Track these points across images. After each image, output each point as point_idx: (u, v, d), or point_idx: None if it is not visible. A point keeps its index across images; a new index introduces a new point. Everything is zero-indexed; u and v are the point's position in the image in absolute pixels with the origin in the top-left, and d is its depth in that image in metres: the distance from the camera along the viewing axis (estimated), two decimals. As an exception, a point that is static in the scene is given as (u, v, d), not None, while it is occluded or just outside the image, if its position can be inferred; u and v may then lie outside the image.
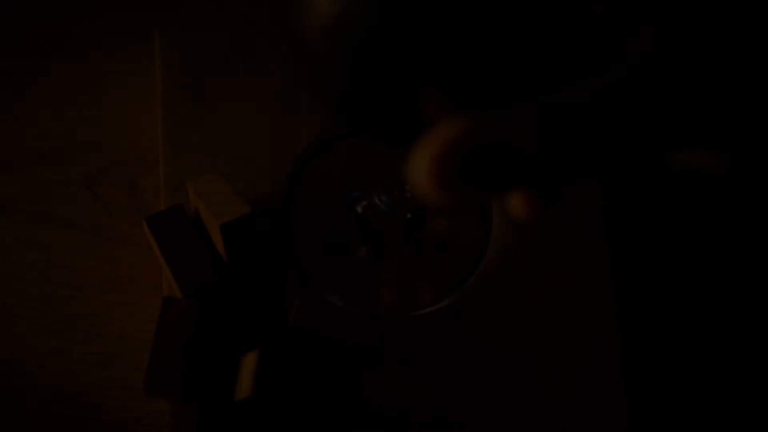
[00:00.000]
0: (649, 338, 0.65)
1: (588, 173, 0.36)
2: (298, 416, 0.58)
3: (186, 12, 0.71)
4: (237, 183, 0.63)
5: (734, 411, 0.64)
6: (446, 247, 0.63)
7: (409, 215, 0.62)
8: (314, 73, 0.40)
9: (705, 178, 0.45)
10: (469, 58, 0.37)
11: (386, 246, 0.63)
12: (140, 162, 0.67)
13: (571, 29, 0.36)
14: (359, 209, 0.61)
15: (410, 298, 0.62)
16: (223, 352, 0.60)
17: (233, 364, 0.59)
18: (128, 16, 0.71)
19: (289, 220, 0.63)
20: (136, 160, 0.67)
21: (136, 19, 0.71)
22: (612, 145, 0.35)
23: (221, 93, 0.65)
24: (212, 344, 0.60)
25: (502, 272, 0.62)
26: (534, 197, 0.39)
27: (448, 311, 0.62)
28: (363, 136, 0.43)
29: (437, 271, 0.62)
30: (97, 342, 0.63)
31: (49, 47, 0.70)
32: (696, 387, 0.64)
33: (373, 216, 0.63)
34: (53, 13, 0.71)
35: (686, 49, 0.35)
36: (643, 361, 0.65)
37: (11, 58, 0.70)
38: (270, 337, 0.60)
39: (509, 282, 0.62)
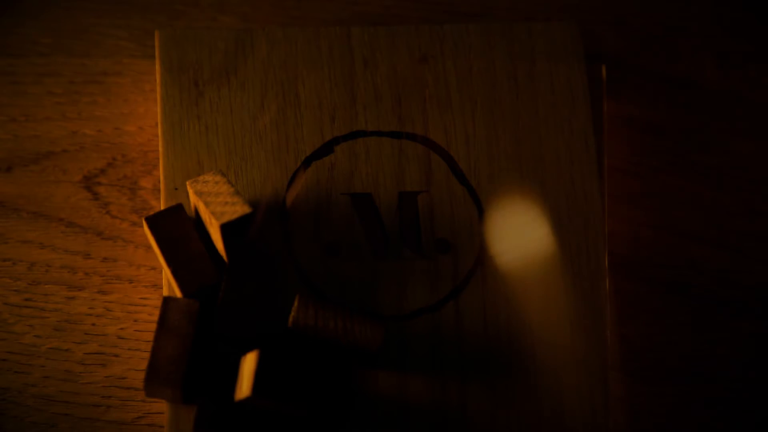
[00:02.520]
0: (647, 338, 0.65)
1: None
2: (298, 416, 0.58)
3: (186, 12, 0.71)
4: (237, 183, 0.64)
5: (731, 405, 0.64)
6: (446, 247, 0.63)
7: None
8: None
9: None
10: None
11: (386, 245, 0.63)
12: (140, 162, 0.67)
13: None
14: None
15: (410, 298, 0.62)
16: (223, 352, 0.60)
17: (233, 364, 0.59)
18: (128, 16, 0.71)
19: (289, 220, 0.63)
20: (136, 160, 0.67)
21: (136, 19, 0.71)
22: None
23: (221, 93, 0.65)
24: (212, 344, 0.60)
25: (502, 272, 0.62)
26: None
27: (448, 311, 0.62)
28: None
29: (437, 271, 0.62)
30: (97, 342, 0.63)
31: (48, 47, 0.70)
32: (691, 385, 0.64)
33: (373, 216, 0.63)
34: (53, 13, 0.71)
35: None
36: (642, 364, 0.65)
37: (11, 59, 0.70)
38: (270, 337, 0.60)
39: (509, 282, 0.62)
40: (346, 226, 0.63)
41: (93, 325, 0.64)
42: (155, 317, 0.63)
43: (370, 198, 0.63)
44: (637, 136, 0.69)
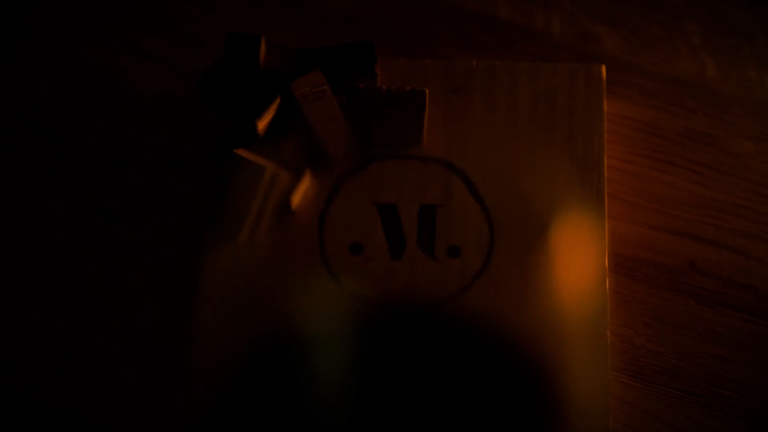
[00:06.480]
0: (647, 338, 0.65)
1: None
2: (298, 416, 0.59)
3: (187, 12, 0.71)
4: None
5: (731, 406, 0.65)
6: (456, 252, 0.63)
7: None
8: None
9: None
10: None
11: (403, 248, 0.63)
12: (141, 161, 0.67)
13: None
14: None
15: (420, 294, 0.62)
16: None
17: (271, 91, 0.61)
18: (129, 15, 0.71)
19: (324, 222, 0.63)
20: (136, 160, 0.67)
21: (137, 19, 0.71)
22: None
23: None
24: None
25: (505, 275, 0.63)
26: None
27: (453, 309, 0.62)
28: None
29: (446, 273, 0.62)
30: (99, 343, 0.63)
31: (49, 45, 0.70)
32: (691, 385, 0.65)
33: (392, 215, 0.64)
34: (52, 12, 0.71)
35: None
36: (642, 363, 0.65)
37: (11, 59, 0.70)
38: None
39: (512, 284, 0.62)
40: (370, 230, 0.63)
41: (95, 325, 0.64)
42: (156, 317, 0.63)
43: (394, 208, 0.64)
44: (637, 136, 0.70)
